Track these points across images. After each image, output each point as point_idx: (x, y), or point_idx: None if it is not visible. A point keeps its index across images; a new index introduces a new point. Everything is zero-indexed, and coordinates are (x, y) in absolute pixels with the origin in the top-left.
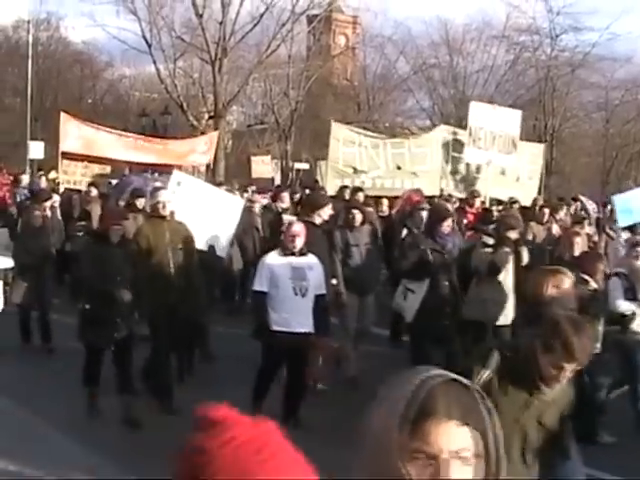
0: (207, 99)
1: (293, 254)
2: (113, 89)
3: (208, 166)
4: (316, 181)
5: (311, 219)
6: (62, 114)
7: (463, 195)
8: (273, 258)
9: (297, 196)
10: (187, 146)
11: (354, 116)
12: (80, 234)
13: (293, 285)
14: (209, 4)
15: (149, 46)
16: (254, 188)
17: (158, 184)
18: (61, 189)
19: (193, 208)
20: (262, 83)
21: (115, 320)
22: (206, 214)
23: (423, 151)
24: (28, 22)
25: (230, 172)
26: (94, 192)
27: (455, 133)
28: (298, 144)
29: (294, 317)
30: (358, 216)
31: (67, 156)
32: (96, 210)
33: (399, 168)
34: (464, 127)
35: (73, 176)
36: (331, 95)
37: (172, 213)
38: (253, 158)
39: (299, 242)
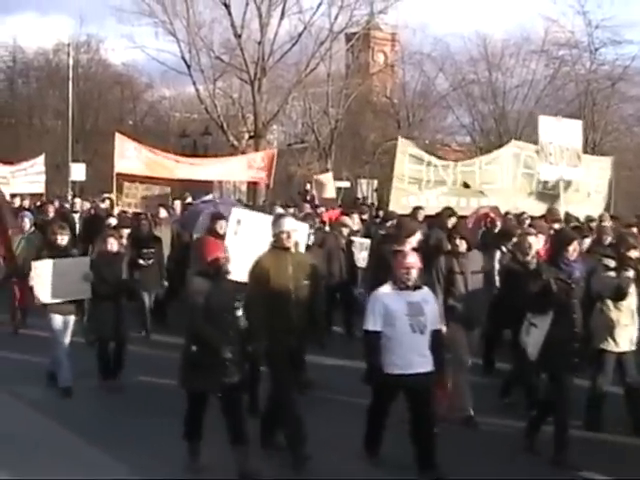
0: (247, 119)
1: (408, 288)
2: (153, 110)
3: (250, 185)
4: (357, 199)
5: (402, 247)
6: (117, 135)
7: (539, 213)
8: (386, 293)
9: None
10: (243, 162)
11: (394, 133)
12: (150, 262)
13: (410, 322)
14: (248, 24)
15: (188, 67)
16: (323, 209)
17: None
18: (115, 211)
19: (261, 245)
20: (302, 102)
21: (225, 363)
22: None
23: (493, 168)
24: (68, 45)
25: (271, 191)
26: (163, 214)
27: (524, 148)
28: (338, 162)
29: (414, 357)
30: (462, 242)
31: (123, 177)
32: (166, 235)
33: (467, 186)
34: (505, 143)
35: (134, 198)
36: (370, 113)
37: (296, 244)
38: (319, 177)
39: (415, 275)
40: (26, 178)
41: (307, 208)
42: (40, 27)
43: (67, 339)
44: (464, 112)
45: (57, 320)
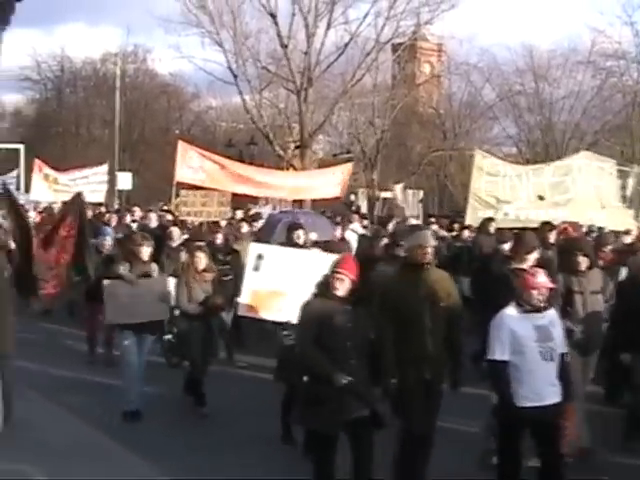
0: (293, 129)
1: (534, 310)
2: (200, 120)
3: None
4: (390, 208)
5: (522, 265)
6: (180, 143)
7: (614, 227)
8: (512, 317)
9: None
10: (321, 179)
11: (440, 144)
12: (227, 277)
13: (540, 349)
14: (294, 34)
15: (235, 77)
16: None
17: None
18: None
19: (287, 281)
20: (347, 112)
21: (347, 397)
22: (306, 285)
23: (562, 180)
24: (116, 55)
25: (317, 202)
26: (245, 228)
27: (594, 159)
28: (384, 173)
29: (545, 387)
30: (585, 260)
31: (182, 186)
32: (247, 249)
33: (541, 198)
34: (551, 154)
35: (193, 207)
36: (417, 123)
37: (432, 262)
38: (394, 187)
39: (545, 296)
40: (88, 187)
41: (356, 219)
42: (88, 37)
43: (140, 359)
44: (510, 123)
45: (128, 339)
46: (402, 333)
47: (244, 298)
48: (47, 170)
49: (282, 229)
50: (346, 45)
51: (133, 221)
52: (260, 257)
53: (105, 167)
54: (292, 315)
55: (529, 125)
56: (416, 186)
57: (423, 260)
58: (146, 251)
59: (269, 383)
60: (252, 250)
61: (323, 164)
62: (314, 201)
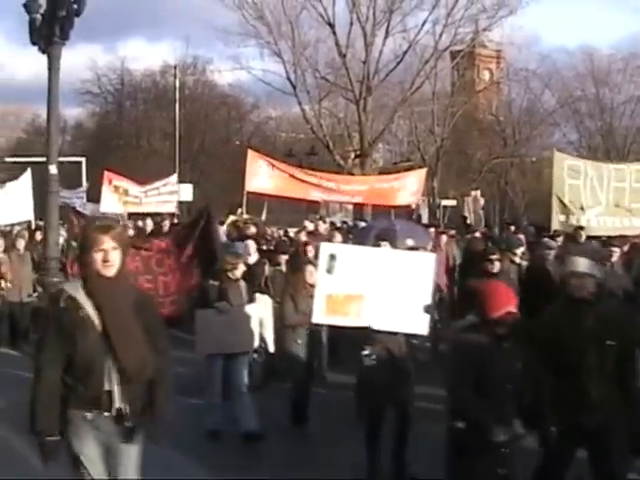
0: (353, 138)
1: None
2: (259, 130)
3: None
4: (464, 217)
5: None
6: (249, 152)
7: None
8: None
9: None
10: (396, 184)
11: (500, 151)
12: None
13: None
14: (352, 44)
15: (294, 87)
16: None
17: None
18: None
19: (365, 283)
20: (407, 120)
21: (500, 450)
22: (387, 287)
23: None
24: (175, 67)
25: (377, 208)
26: (338, 238)
27: None
28: (444, 181)
29: None
30: None
31: (253, 195)
32: None
33: (617, 206)
34: (612, 159)
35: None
36: (476, 131)
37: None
38: (477, 195)
39: None
40: (159, 198)
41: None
42: (148, 50)
43: (237, 378)
44: (571, 129)
45: (217, 362)
46: (561, 376)
47: (318, 303)
48: (117, 182)
49: (371, 239)
50: (404, 53)
51: None
52: (333, 258)
53: (175, 177)
54: (372, 320)
55: (590, 131)
56: None
57: (580, 293)
58: (238, 270)
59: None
60: (323, 250)
61: (383, 173)
62: (374, 207)
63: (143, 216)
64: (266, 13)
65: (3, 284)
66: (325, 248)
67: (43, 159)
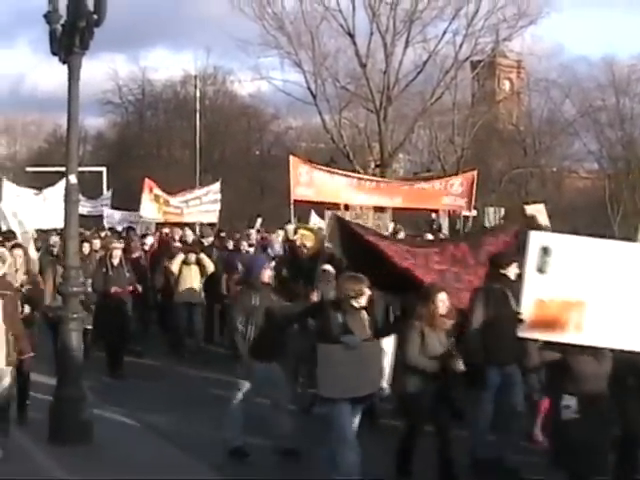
0: (373, 148)
1: None
2: (280, 141)
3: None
4: (484, 227)
5: None
6: (292, 158)
7: None
8: None
9: None
10: (437, 186)
11: (521, 161)
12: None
13: None
14: (372, 54)
15: (314, 97)
16: None
17: None
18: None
19: (589, 285)
20: (427, 130)
21: None
22: (617, 290)
23: None
24: (195, 77)
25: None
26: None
27: None
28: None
29: None
30: None
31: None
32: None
33: None
34: (633, 169)
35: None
36: (497, 141)
37: None
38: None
39: None
40: (201, 207)
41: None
42: (168, 60)
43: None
44: (591, 139)
45: (345, 407)
46: None
47: (525, 311)
48: (157, 191)
49: None
50: (425, 63)
51: (250, 245)
52: (546, 252)
53: (218, 185)
54: (596, 336)
55: (610, 141)
56: (497, 203)
57: None
58: (366, 298)
59: None
60: (533, 242)
61: None
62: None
63: (170, 225)
64: (286, 23)
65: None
66: (536, 239)
67: (64, 169)
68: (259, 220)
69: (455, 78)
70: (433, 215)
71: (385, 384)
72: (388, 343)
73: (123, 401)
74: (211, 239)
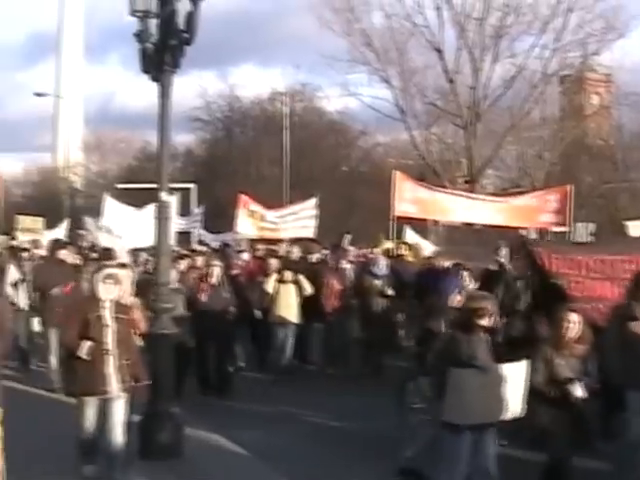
0: (461, 164)
1: None
2: (368, 157)
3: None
4: (577, 243)
5: None
6: (397, 173)
7: None
8: None
9: None
10: (534, 203)
11: (611, 176)
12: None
13: None
14: (460, 69)
15: (402, 113)
16: None
17: None
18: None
19: None
20: (516, 146)
21: None
22: None
23: None
24: (284, 94)
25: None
26: None
27: None
28: None
29: None
30: None
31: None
32: None
33: None
34: None
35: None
36: (586, 156)
37: None
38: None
39: None
40: (298, 223)
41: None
42: (256, 77)
43: (483, 457)
44: None
45: (465, 434)
46: None
47: None
48: (253, 207)
49: None
50: (513, 78)
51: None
52: None
53: (313, 201)
54: None
55: None
56: (587, 219)
57: None
58: (493, 319)
59: None
60: None
61: None
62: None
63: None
64: (374, 40)
65: None
66: None
67: (153, 185)
68: (348, 237)
69: (543, 93)
70: (522, 231)
71: (518, 411)
72: (520, 368)
73: (214, 417)
74: (317, 256)
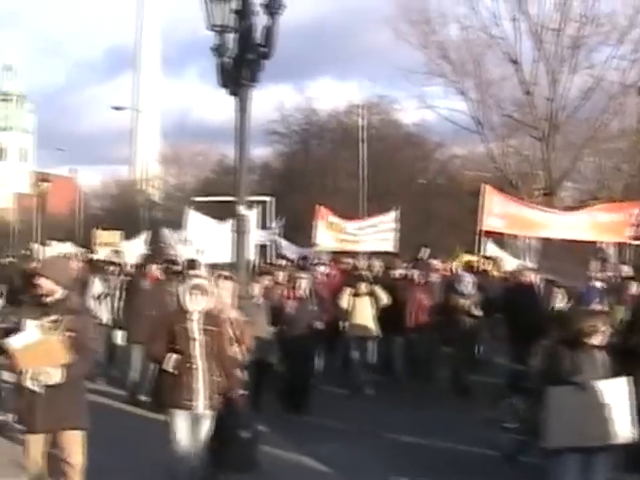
0: (539, 176)
1: None
2: (445, 169)
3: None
4: None
5: None
6: (486, 187)
7: None
8: None
9: None
10: (620, 217)
11: None
12: None
13: None
14: (537, 81)
15: (479, 125)
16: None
17: None
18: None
19: None
20: (594, 158)
21: None
22: None
23: None
24: (361, 107)
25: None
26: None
27: None
28: None
29: None
30: None
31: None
32: None
33: None
34: None
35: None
36: None
37: None
38: None
39: None
40: (377, 236)
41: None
42: (333, 90)
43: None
44: None
45: (571, 458)
46: None
47: None
48: (332, 219)
49: None
50: (591, 90)
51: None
52: None
53: (393, 214)
54: None
55: None
56: None
57: None
58: (605, 336)
59: None
60: None
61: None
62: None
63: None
64: (451, 52)
65: None
66: None
67: (231, 198)
68: (426, 250)
69: (622, 104)
70: (603, 244)
71: (630, 436)
72: (620, 385)
73: (291, 432)
74: (400, 271)
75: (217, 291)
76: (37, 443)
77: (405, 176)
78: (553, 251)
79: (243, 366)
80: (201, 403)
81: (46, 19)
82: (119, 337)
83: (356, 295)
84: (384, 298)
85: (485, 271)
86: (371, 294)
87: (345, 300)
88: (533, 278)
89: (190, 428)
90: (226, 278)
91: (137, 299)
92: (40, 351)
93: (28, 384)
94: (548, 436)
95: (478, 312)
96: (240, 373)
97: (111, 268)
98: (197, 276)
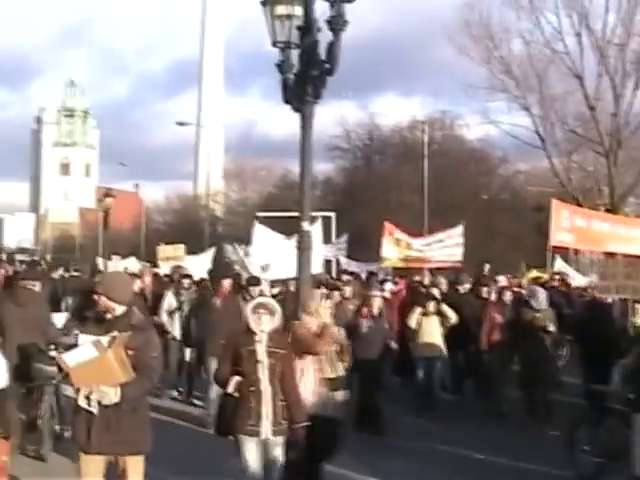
0: (603, 192)
1: None
2: (508, 185)
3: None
4: None
5: None
6: (555, 202)
7: None
8: None
9: None
10: None
11: None
12: None
13: None
14: (601, 96)
15: (542, 141)
16: None
17: None
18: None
19: None
20: None
21: None
22: None
23: None
24: (423, 122)
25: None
26: None
27: None
28: None
29: None
30: None
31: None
32: None
33: None
34: None
35: (613, 279)
36: None
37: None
38: None
39: None
40: (444, 251)
41: None
42: (395, 105)
43: None
44: None
45: None
46: None
47: None
48: (398, 234)
49: None
50: None
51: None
52: None
53: (460, 229)
54: None
55: None
56: None
57: None
58: None
59: None
60: None
61: None
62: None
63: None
64: (513, 67)
65: None
66: None
67: (294, 214)
68: (487, 266)
69: None
70: None
71: None
72: None
73: (359, 452)
74: (467, 286)
75: (320, 310)
76: (92, 462)
77: (468, 191)
78: (617, 268)
79: (345, 384)
80: (267, 429)
81: (109, 36)
82: (187, 353)
83: (424, 315)
84: (453, 317)
85: (554, 287)
86: (439, 313)
87: (414, 320)
88: (608, 294)
89: (260, 454)
90: (327, 297)
91: (211, 315)
92: (94, 369)
93: (81, 403)
94: (638, 464)
95: (553, 328)
96: (342, 394)
97: (185, 283)
98: (261, 294)
